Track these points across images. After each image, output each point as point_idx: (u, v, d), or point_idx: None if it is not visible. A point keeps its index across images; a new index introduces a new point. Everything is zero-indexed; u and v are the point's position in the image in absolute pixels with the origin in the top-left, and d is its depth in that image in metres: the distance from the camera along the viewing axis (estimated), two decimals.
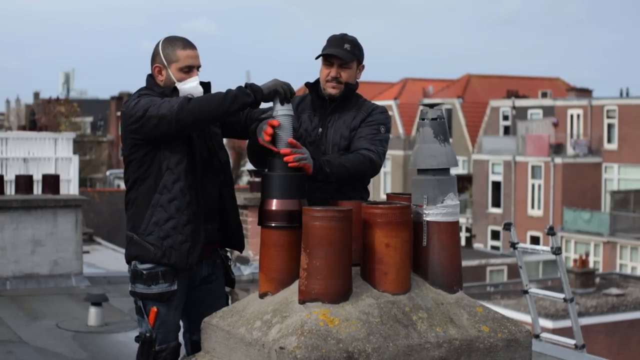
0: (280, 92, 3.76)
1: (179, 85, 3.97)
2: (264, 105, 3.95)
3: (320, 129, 4.15)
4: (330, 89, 4.16)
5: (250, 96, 3.75)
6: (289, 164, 3.63)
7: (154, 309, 3.93)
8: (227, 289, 4.26)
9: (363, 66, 4.26)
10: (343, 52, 4.11)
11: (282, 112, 3.78)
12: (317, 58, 4.16)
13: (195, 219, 3.93)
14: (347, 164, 3.93)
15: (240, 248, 4.18)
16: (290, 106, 3.82)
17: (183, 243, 3.91)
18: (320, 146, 4.11)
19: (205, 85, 4.04)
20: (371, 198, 4.18)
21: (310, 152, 3.84)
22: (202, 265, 4.05)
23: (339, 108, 4.18)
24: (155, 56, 4.03)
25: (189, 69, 3.98)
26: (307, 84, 4.24)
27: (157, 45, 4.03)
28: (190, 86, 3.97)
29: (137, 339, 4.00)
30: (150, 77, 4.05)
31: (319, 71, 4.22)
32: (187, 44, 4.01)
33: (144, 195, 3.95)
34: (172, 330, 4.02)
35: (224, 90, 3.86)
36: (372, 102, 4.32)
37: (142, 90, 4.00)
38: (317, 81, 4.24)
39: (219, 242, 4.15)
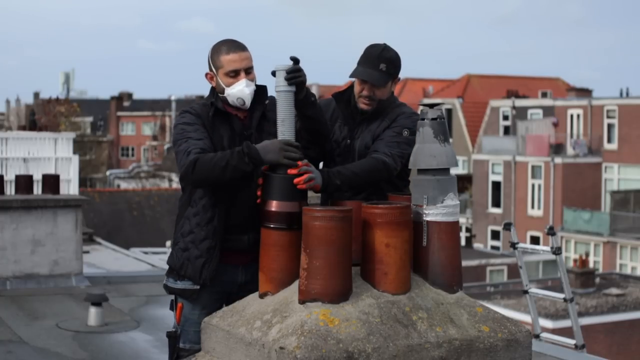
0: (284, 161, 3.64)
1: (227, 91, 3.96)
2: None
3: (348, 140, 4.14)
4: (363, 105, 4.16)
5: (249, 165, 3.70)
6: (298, 186, 3.60)
7: (180, 304, 4.04)
8: None
9: (399, 79, 4.25)
10: (377, 76, 4.09)
11: (281, 89, 3.72)
12: (350, 77, 4.12)
13: (214, 236, 3.94)
14: (358, 170, 3.91)
15: None
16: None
17: (197, 258, 3.96)
18: (348, 158, 4.09)
19: (262, 89, 4.03)
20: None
21: (338, 164, 3.86)
22: (239, 271, 4.02)
23: (368, 118, 4.17)
24: (208, 64, 4.04)
25: (235, 73, 3.94)
26: (336, 95, 4.23)
27: (208, 52, 4.03)
28: (237, 90, 3.94)
29: (167, 333, 4.09)
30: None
31: (354, 82, 4.18)
32: (231, 48, 3.96)
33: (182, 205, 4.06)
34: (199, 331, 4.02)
35: None
36: (404, 105, 4.26)
37: (188, 111, 3.99)
38: (346, 91, 4.20)
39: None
